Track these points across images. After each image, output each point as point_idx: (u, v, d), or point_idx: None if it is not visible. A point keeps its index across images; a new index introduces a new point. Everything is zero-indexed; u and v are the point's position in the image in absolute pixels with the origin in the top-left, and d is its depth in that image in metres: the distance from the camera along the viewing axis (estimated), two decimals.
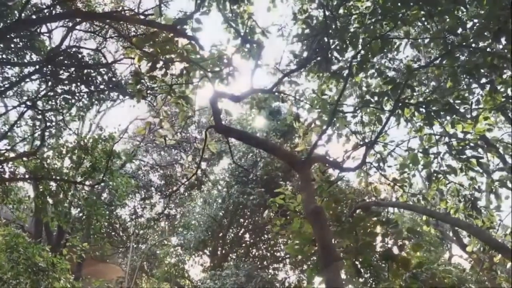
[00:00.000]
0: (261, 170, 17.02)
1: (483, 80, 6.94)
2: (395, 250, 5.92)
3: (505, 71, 7.98)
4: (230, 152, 6.70)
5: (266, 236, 19.56)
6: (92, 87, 7.48)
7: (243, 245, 21.21)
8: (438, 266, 17.29)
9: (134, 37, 6.63)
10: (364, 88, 8.20)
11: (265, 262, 20.64)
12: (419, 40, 8.71)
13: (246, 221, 19.99)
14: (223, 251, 20.17)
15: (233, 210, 18.08)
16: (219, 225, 18.05)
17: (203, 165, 24.70)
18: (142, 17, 7.05)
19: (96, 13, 7.56)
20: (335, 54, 7.85)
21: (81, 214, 11.58)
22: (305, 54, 7.86)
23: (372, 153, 7.90)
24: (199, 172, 22.61)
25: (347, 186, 17.74)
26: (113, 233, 25.06)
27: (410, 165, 6.86)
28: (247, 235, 21.32)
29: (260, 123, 16.92)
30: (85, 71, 7.23)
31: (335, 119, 7.17)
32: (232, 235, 20.44)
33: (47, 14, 6.76)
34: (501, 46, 6.73)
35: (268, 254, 20.90)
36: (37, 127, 8.13)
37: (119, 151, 21.94)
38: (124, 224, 24.49)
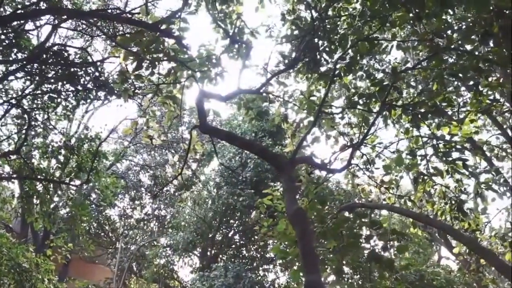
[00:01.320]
0: (251, 171, 16.99)
1: (470, 83, 7.00)
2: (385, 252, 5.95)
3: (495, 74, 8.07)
4: (215, 153, 6.67)
5: (256, 237, 19.52)
6: (79, 86, 7.39)
7: (233, 246, 21.15)
8: (427, 268, 17.38)
9: (119, 36, 6.55)
10: (352, 90, 8.21)
11: (255, 263, 20.59)
12: (407, 43, 8.77)
13: (236, 222, 19.94)
14: (213, 252, 20.10)
15: (222, 211, 18.02)
16: (208, 226, 17.98)
17: (193, 166, 24.65)
18: (129, 15, 6.99)
19: (78, 10, 7.47)
20: (324, 55, 7.86)
21: (67, 215, 11.46)
22: (293, 55, 7.85)
23: (358, 155, 7.93)
24: (189, 172, 22.56)
25: (337, 187, 17.77)
26: (102, 234, 24.91)
27: (394, 167, 6.86)
28: (237, 236, 21.28)
29: (250, 124, 16.89)
30: (71, 69, 7.14)
31: (323, 120, 7.16)
32: (222, 236, 20.37)
33: (29, 11, 6.68)
34: (486, 49, 6.77)
35: (258, 255, 20.86)
36: (22, 126, 8.03)
37: (108, 151, 21.88)
38: (113, 224, 24.36)
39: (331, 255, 5.22)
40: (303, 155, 7.07)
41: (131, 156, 24.17)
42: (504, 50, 6.29)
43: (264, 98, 7.92)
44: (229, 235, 20.69)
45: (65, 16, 6.88)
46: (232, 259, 19.59)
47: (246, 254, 20.97)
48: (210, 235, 19.04)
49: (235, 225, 20.30)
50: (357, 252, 5.24)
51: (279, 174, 5.68)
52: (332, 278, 6.76)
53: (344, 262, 5.17)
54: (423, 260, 18.53)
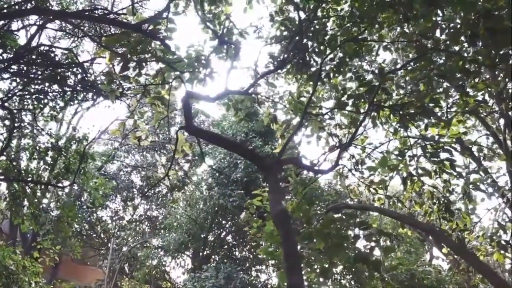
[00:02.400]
0: (242, 172, 16.97)
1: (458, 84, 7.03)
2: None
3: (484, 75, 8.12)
4: (201, 154, 6.63)
5: (248, 237, 19.52)
6: (65, 87, 7.32)
7: (225, 247, 21.12)
8: (418, 268, 17.45)
9: (104, 36, 6.50)
10: (341, 91, 8.21)
11: (247, 264, 20.57)
12: (396, 44, 8.79)
13: (228, 223, 19.91)
14: (205, 253, 20.06)
15: (213, 212, 17.99)
16: (199, 227, 17.93)
17: (186, 166, 24.59)
18: (115, 16, 6.94)
19: (63, 11, 7.39)
20: (314, 56, 7.86)
21: (55, 217, 11.35)
22: (282, 56, 7.84)
23: (349, 156, 7.94)
24: (181, 173, 22.50)
25: (330, 187, 17.79)
26: (94, 235, 24.77)
27: (379, 168, 6.88)
28: (229, 237, 21.25)
29: (240, 125, 16.87)
30: (58, 70, 7.07)
31: (311, 121, 7.16)
32: (214, 237, 20.34)
33: (13, 10, 6.61)
34: (473, 50, 6.80)
35: (251, 256, 20.84)
36: (8, 127, 7.93)
37: (98, 153, 21.75)
38: (105, 226, 24.22)
39: (319, 256, 5.21)
40: (294, 155, 7.07)
41: (123, 157, 24.05)
42: (493, 51, 6.33)
43: (253, 99, 7.90)
44: (221, 236, 20.66)
45: (51, 17, 6.80)
46: (224, 260, 19.56)
47: (239, 255, 20.95)
48: (203, 236, 19.00)
49: (227, 225, 20.28)
50: (343, 253, 5.23)
51: (265, 175, 5.66)
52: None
53: (330, 263, 5.16)
54: (414, 260, 18.58)
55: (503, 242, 7.96)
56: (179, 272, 28.58)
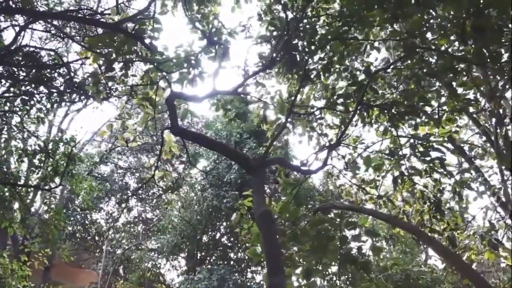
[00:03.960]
0: (235, 173, 16.89)
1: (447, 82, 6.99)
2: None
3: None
4: (187, 155, 6.57)
5: (243, 239, 19.42)
6: (52, 88, 7.23)
7: (220, 248, 21.03)
8: (413, 268, 17.44)
9: (87, 37, 6.43)
10: (331, 90, 8.16)
11: (243, 265, 20.50)
12: (387, 42, 8.76)
13: (222, 224, 19.83)
14: (200, 255, 19.97)
15: (207, 213, 17.91)
16: (193, 229, 17.84)
17: (180, 168, 24.48)
18: (100, 16, 6.86)
19: (44, 12, 7.30)
20: (304, 55, 7.81)
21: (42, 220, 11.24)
22: (272, 55, 7.78)
23: (341, 155, 7.89)
24: (175, 175, 22.40)
25: (323, 188, 17.75)
26: (88, 238, 24.64)
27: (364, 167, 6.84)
28: (224, 238, 21.16)
29: (234, 125, 16.81)
30: (44, 71, 6.99)
31: (299, 121, 7.11)
32: (209, 238, 20.25)
33: None
34: (462, 48, 6.77)
35: (246, 257, 20.76)
36: None
37: (92, 154, 21.64)
38: (100, 228, 24.09)
39: (304, 257, 5.15)
40: (281, 155, 7.01)
41: (117, 159, 23.93)
42: (483, 49, 6.29)
43: (242, 99, 7.85)
44: (216, 237, 20.58)
45: (31, 18, 6.72)
46: (219, 262, 19.48)
47: (234, 256, 20.87)
48: (197, 238, 18.92)
49: (222, 227, 20.20)
50: (332, 253, 5.17)
51: (250, 175, 5.62)
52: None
53: (315, 263, 5.10)
54: (409, 260, 18.55)
55: (494, 241, 7.93)
56: (174, 274, 28.52)
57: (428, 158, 7.42)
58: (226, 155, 6.28)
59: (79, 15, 6.70)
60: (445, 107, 7.75)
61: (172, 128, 5.22)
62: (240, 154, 5.68)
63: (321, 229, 5.28)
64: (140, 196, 23.47)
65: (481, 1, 5.91)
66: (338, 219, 6.12)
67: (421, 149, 7.49)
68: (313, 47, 7.59)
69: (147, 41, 6.76)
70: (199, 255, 19.66)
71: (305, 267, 4.85)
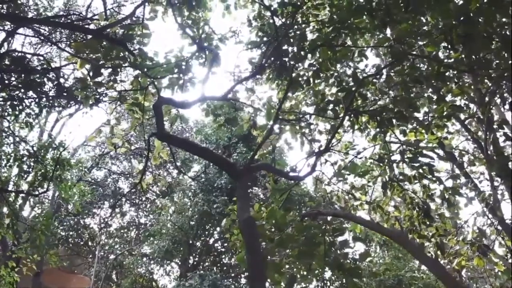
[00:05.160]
0: (226, 178, 16.86)
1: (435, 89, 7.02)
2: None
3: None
4: (173, 160, 6.57)
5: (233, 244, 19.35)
6: (41, 93, 7.21)
7: (215, 253, 20.94)
8: (405, 273, 17.47)
9: (73, 42, 6.42)
10: (320, 96, 8.19)
11: (237, 270, 20.42)
12: (379, 49, 8.80)
13: (215, 229, 19.76)
14: (193, 260, 19.87)
15: (199, 218, 17.86)
16: (185, 234, 17.76)
17: (174, 173, 24.39)
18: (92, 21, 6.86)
19: (29, 18, 7.29)
20: (293, 61, 7.83)
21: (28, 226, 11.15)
22: (262, 61, 7.80)
23: (328, 161, 7.90)
24: (169, 179, 22.32)
25: (316, 193, 17.74)
26: (81, 243, 24.47)
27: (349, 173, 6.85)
28: (218, 244, 21.07)
29: (224, 130, 16.80)
30: (32, 76, 6.97)
31: (286, 127, 7.12)
32: (202, 243, 20.16)
33: None
34: (448, 54, 6.82)
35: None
36: None
37: (85, 159, 21.51)
38: (92, 233, 23.94)
39: (289, 263, 5.14)
40: (269, 161, 7.00)
41: (110, 163, 23.84)
42: (471, 56, 6.34)
43: (231, 105, 7.86)
44: (209, 243, 20.50)
45: (14, 25, 6.71)
46: (212, 267, 19.40)
47: (227, 262, 20.79)
48: (190, 243, 18.83)
49: (215, 232, 20.13)
50: (317, 259, 5.16)
51: (235, 181, 5.61)
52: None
53: (298, 269, 5.09)
54: (402, 265, 18.60)
55: (482, 247, 7.94)
56: (170, 279, 28.35)
57: (416, 164, 7.46)
58: (212, 161, 6.27)
59: (67, 20, 6.69)
60: (433, 113, 7.80)
61: (158, 133, 5.21)
62: (225, 160, 5.67)
63: (308, 235, 5.27)
64: (134, 201, 23.37)
65: (470, 8, 5.96)
66: (328, 225, 6.14)
67: (410, 155, 7.53)
68: (303, 53, 7.63)
69: (136, 46, 6.78)
70: (192, 260, 19.55)
71: (289, 275, 4.84)
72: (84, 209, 20.18)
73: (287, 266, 5.55)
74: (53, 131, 17.66)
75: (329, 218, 5.64)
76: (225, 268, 19.95)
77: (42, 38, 8.57)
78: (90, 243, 24.15)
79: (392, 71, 6.91)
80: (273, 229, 5.69)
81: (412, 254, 6.12)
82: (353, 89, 6.58)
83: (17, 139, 8.47)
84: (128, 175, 23.56)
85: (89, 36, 8.25)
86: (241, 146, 17.32)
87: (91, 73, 5.99)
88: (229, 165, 4.98)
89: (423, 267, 22.60)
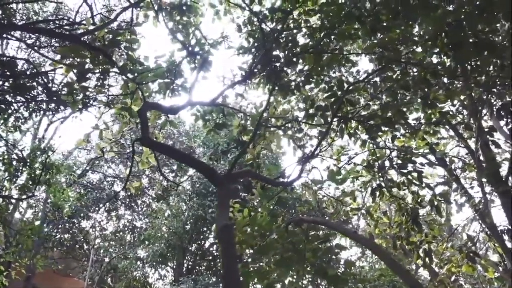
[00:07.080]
0: None
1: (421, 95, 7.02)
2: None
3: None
4: (157, 164, 6.57)
5: None
6: (29, 97, 7.21)
7: (210, 257, 20.87)
8: (400, 279, 17.38)
9: (58, 47, 6.42)
10: (309, 102, 8.18)
11: None
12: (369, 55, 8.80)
13: (211, 234, 19.71)
14: (187, 264, 19.81)
15: (193, 222, 17.82)
16: (179, 238, 17.71)
17: (170, 176, 24.34)
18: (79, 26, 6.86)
19: (14, 24, 7.29)
20: (282, 67, 7.83)
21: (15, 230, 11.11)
22: (252, 66, 7.80)
23: (325, 167, 7.89)
24: (165, 183, 22.26)
25: (307, 199, 17.68)
26: (77, 246, 24.38)
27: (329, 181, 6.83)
28: (213, 248, 21.00)
29: (220, 135, 16.76)
30: (21, 81, 6.96)
31: (272, 133, 7.12)
32: (196, 248, 20.11)
33: None
34: (436, 61, 6.82)
35: None
36: None
37: (80, 162, 21.46)
38: (88, 236, 23.86)
39: (270, 270, 5.12)
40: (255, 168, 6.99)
41: (107, 167, 23.80)
42: (459, 63, 6.35)
43: (220, 110, 7.85)
44: (205, 247, 20.45)
45: None
46: (208, 271, 19.33)
47: None
48: (184, 247, 18.78)
49: (210, 236, 20.08)
50: (298, 266, 5.14)
51: (216, 188, 5.60)
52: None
53: (277, 276, 5.06)
54: None
55: (471, 254, 7.93)
56: (166, 282, 28.25)
57: (405, 171, 7.45)
58: (194, 168, 6.27)
59: (52, 26, 6.69)
60: (422, 120, 7.79)
61: (142, 139, 5.20)
62: (207, 167, 5.65)
63: (290, 242, 5.26)
64: (130, 205, 23.31)
65: (460, 16, 5.96)
66: (315, 231, 6.12)
67: (399, 161, 7.53)
68: (294, 59, 7.63)
69: (124, 52, 6.78)
70: (186, 264, 19.50)
71: (266, 282, 4.82)
72: (79, 212, 20.13)
73: (269, 273, 5.52)
74: (46, 135, 17.65)
75: (312, 225, 5.63)
76: (219, 272, 19.87)
77: (26, 44, 8.59)
78: (85, 246, 24.08)
79: (379, 77, 6.91)
80: (255, 235, 5.69)
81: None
82: (341, 95, 6.57)
83: (5, 143, 8.45)
84: (123, 179, 23.48)
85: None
86: (236, 150, 17.27)
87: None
88: (210, 172, 4.97)
89: (418, 272, 22.57)
